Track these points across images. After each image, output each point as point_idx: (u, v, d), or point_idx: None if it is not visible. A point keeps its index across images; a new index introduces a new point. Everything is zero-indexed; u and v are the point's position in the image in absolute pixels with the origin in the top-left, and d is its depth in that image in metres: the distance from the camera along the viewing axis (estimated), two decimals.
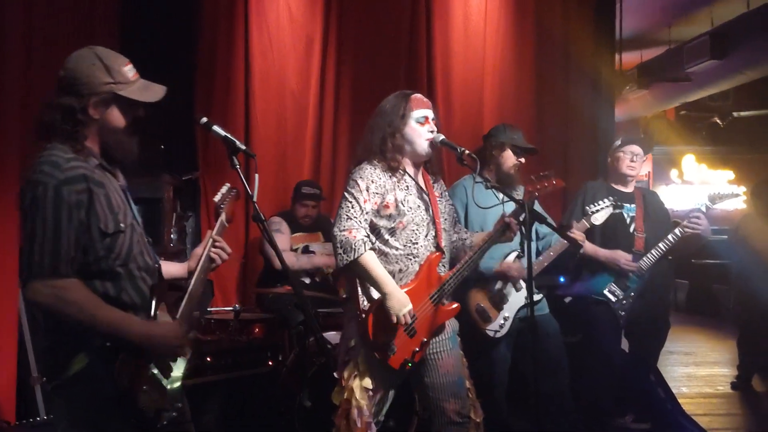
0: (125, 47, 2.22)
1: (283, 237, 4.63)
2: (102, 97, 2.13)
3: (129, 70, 2.20)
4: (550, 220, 3.79)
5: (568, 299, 3.99)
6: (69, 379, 2.03)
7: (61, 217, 2.00)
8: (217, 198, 2.55)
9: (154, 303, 2.19)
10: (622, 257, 4.12)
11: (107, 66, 2.15)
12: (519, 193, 3.72)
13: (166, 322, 2.20)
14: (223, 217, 2.52)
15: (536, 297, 3.84)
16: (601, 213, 3.85)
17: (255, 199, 2.26)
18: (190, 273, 2.42)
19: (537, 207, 3.93)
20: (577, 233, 3.81)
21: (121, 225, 2.13)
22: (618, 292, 4.16)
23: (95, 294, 2.06)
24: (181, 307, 2.29)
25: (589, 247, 4.09)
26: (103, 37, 4.78)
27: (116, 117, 2.17)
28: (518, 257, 3.80)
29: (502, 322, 3.78)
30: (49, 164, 2.03)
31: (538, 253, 3.98)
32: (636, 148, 4.29)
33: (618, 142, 4.39)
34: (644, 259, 4.16)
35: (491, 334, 3.78)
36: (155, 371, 2.13)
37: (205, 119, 2.30)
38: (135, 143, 2.24)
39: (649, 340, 4.44)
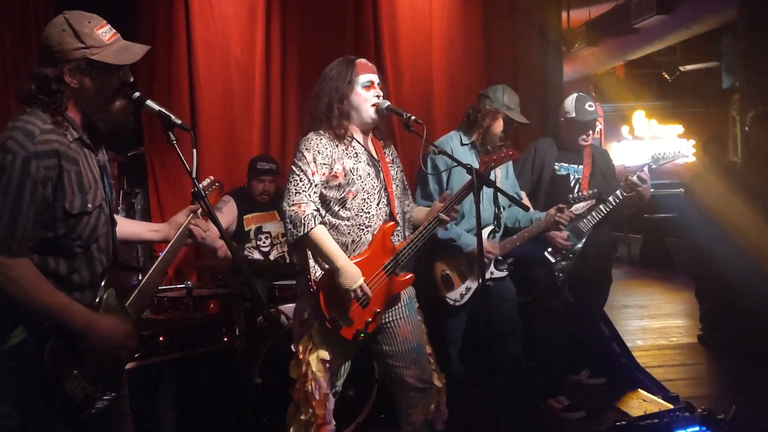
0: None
1: (222, 216, 4.49)
2: (76, 64, 2.04)
3: (104, 33, 2.10)
4: (511, 189, 3.83)
5: (509, 260, 4.02)
6: (3, 353, 1.97)
7: (24, 192, 1.93)
8: (204, 183, 2.50)
9: (102, 287, 2.12)
10: (558, 235, 4.12)
11: (76, 30, 2.05)
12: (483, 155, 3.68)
13: (111, 317, 2.12)
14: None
15: (501, 274, 3.84)
16: (581, 204, 3.94)
17: (194, 175, 2.18)
18: (166, 240, 2.38)
19: (510, 176, 3.95)
20: (562, 218, 3.83)
21: (89, 206, 2.06)
22: (557, 254, 4.19)
23: (46, 270, 1.99)
24: (133, 296, 2.23)
25: None
26: (38, 6, 4.62)
27: (95, 83, 2.08)
28: (493, 232, 3.80)
29: (463, 292, 3.77)
30: (23, 132, 1.96)
31: (507, 229, 3.96)
32: (592, 123, 4.26)
33: (572, 113, 4.25)
34: (585, 220, 4.19)
35: (450, 302, 3.78)
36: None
37: (137, 94, 2.20)
38: (122, 110, 2.14)
39: (593, 297, 4.53)
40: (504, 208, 3.89)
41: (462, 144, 3.79)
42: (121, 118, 2.15)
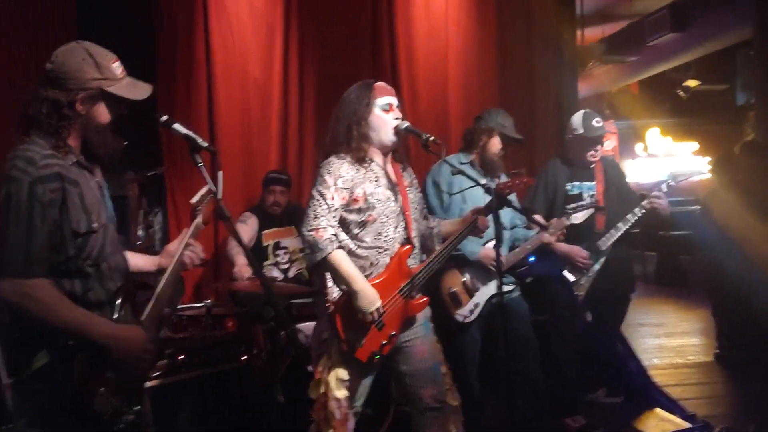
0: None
1: (245, 228, 4.57)
2: (90, 93, 2.13)
3: (117, 67, 2.20)
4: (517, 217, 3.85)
5: (529, 279, 4.03)
6: (29, 376, 2.03)
7: (35, 215, 1.99)
8: (194, 200, 2.50)
9: (118, 303, 2.17)
10: (577, 254, 4.16)
11: (97, 62, 2.15)
12: (500, 181, 3.73)
13: (132, 327, 2.18)
14: (199, 219, 2.48)
15: (509, 287, 3.87)
16: (580, 213, 3.88)
17: (220, 196, 2.24)
18: (160, 270, 2.40)
19: (513, 199, 3.96)
20: (559, 231, 3.82)
21: (94, 225, 2.12)
22: (577, 272, 4.20)
23: (62, 292, 2.05)
24: (148, 309, 2.28)
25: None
26: (59, 31, 4.71)
27: (102, 113, 2.18)
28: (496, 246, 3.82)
29: (472, 308, 3.81)
30: (24, 160, 2.02)
31: (512, 247, 4.00)
32: (600, 139, 4.28)
33: (579, 130, 4.26)
34: (604, 238, 4.20)
35: (460, 319, 3.81)
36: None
37: (165, 117, 2.28)
38: (118, 141, 2.24)
39: (610, 315, 4.52)
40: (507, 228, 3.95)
41: (461, 164, 3.84)
42: (116, 146, 2.25)
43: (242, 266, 4.40)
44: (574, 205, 3.89)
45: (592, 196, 4.28)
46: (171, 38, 5.08)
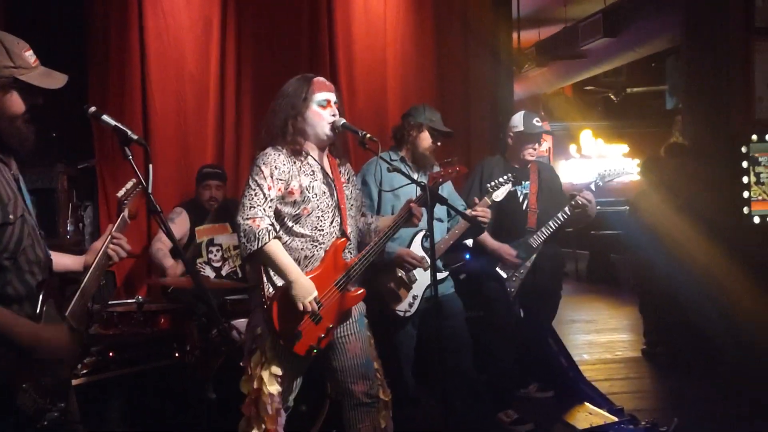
0: (11, 32, 2.13)
1: (176, 225, 4.51)
2: (2, 82, 2.04)
3: (30, 56, 2.12)
4: (454, 203, 3.87)
5: (462, 276, 4.07)
6: None
7: None
8: (120, 193, 2.44)
9: (41, 299, 2.11)
10: (506, 252, 4.25)
11: (8, 49, 2.06)
12: (432, 172, 3.75)
13: (56, 326, 2.12)
14: (125, 213, 2.42)
15: (442, 275, 3.90)
16: (500, 190, 3.89)
17: (150, 190, 2.20)
18: (86, 268, 2.34)
19: (447, 189, 4.00)
20: (483, 210, 3.83)
21: (10, 217, 2.04)
22: (509, 269, 4.29)
23: None
24: (72, 304, 2.22)
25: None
26: None
27: (15, 102, 2.08)
28: (425, 237, 3.85)
29: (411, 301, 3.83)
30: None
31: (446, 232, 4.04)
32: (538, 137, 4.38)
33: (520, 127, 4.36)
34: (535, 236, 4.31)
35: (401, 314, 3.82)
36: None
37: (93, 108, 2.22)
38: (32, 131, 2.15)
39: (542, 311, 4.62)
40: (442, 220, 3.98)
41: (392, 160, 3.86)
42: (30, 137, 2.16)
43: (172, 267, 4.37)
44: (493, 183, 3.91)
45: (526, 195, 4.38)
46: (103, 27, 4.95)
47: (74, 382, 2.63)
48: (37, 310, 2.10)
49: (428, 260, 3.78)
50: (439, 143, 3.94)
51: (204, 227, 4.61)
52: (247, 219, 2.83)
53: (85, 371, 3.41)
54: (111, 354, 3.57)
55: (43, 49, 2.20)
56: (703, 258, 5.31)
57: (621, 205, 9.33)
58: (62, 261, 2.36)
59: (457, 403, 3.79)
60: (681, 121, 6.88)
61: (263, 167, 2.90)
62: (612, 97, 13.22)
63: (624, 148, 14.37)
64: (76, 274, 2.37)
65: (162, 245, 4.52)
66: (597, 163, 13.58)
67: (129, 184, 2.44)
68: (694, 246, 5.37)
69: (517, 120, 4.42)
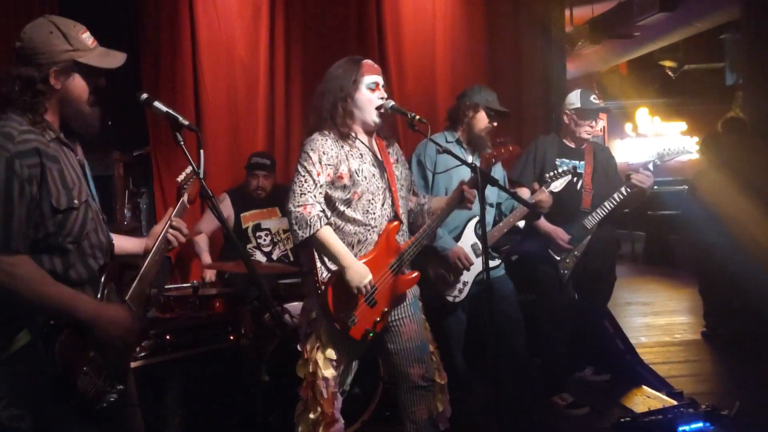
0: None
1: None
2: (62, 66, 2.07)
3: (87, 38, 2.14)
4: (504, 184, 3.83)
5: (514, 257, 4.01)
6: (11, 356, 1.99)
7: (13, 191, 1.95)
8: (180, 178, 2.47)
9: (102, 282, 2.15)
10: (559, 236, 4.17)
11: (65, 33, 2.09)
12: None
13: (117, 306, 2.16)
14: (185, 197, 2.45)
15: (494, 263, 3.86)
16: (559, 181, 3.85)
17: (202, 175, 2.21)
18: (146, 252, 2.37)
19: (499, 172, 3.95)
20: (546, 197, 3.80)
21: (75, 201, 2.07)
22: (561, 251, 4.21)
23: (43, 270, 2.01)
24: (132, 288, 2.25)
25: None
26: (41, 10, 4.64)
27: (78, 85, 2.12)
28: (479, 224, 3.81)
29: (461, 287, 3.80)
30: (2, 136, 1.97)
31: (502, 215, 3.99)
32: (595, 114, 4.29)
33: (577, 104, 4.28)
34: (590, 217, 4.22)
35: (451, 299, 3.80)
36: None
37: (145, 95, 2.24)
38: (97, 114, 2.18)
39: (596, 294, 4.54)
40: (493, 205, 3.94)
41: (447, 142, 3.83)
42: (95, 121, 2.18)
43: (207, 269, 4.45)
44: (551, 173, 3.87)
45: (580, 175, 4.29)
46: (155, 16, 5.03)
47: (132, 364, 2.67)
48: (99, 295, 2.14)
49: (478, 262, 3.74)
50: (495, 123, 3.89)
51: (250, 213, 4.66)
52: (299, 206, 2.83)
53: (143, 354, 3.48)
54: (168, 337, 3.64)
55: (96, 36, 2.22)
56: (765, 238, 5.15)
57: (679, 184, 9.11)
58: (123, 245, 2.40)
59: (510, 387, 3.75)
60: (742, 96, 6.66)
61: (311, 153, 2.89)
62: (670, 73, 12.85)
63: (682, 125, 14.00)
64: (136, 258, 2.41)
65: (199, 239, 4.60)
66: (653, 141, 13.28)
67: (188, 169, 2.45)
68: (756, 226, 5.21)
69: (574, 98, 4.34)
